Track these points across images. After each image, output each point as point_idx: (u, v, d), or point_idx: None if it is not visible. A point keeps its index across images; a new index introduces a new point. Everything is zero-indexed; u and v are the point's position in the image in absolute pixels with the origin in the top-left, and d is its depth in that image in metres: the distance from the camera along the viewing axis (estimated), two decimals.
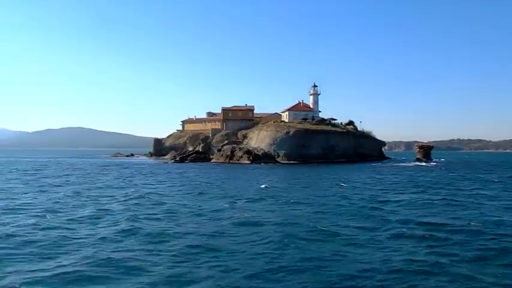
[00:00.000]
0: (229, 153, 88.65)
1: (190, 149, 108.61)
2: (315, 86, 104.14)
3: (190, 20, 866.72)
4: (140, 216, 19.34)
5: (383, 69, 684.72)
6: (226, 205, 23.31)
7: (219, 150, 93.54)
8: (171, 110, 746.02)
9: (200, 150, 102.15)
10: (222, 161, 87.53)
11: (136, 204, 23.81)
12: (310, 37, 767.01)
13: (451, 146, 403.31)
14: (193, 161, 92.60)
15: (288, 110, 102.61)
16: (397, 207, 23.10)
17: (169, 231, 16.21)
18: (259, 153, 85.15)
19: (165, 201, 25.40)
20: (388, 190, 32.65)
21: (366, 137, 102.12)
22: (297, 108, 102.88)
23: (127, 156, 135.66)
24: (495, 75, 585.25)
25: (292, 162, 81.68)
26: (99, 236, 15.35)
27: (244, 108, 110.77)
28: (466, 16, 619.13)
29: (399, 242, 14.69)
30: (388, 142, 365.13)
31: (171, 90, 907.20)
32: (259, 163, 79.30)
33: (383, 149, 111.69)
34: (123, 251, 13.31)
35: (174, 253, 13.12)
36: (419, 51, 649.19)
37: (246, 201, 25.20)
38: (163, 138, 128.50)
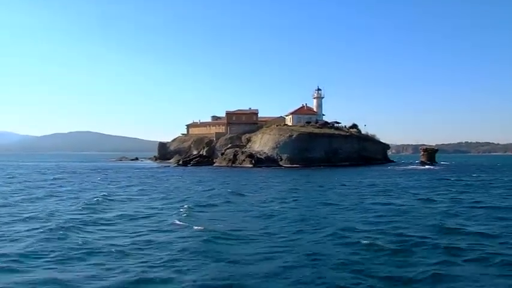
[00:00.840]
0: (231, 157, 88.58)
1: (195, 152, 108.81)
2: (318, 89, 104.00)
3: (195, 22, 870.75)
4: (76, 221, 19.42)
5: (390, 71, 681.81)
6: (174, 211, 22.78)
7: (223, 154, 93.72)
8: (178, 114, 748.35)
9: (204, 154, 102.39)
10: (225, 164, 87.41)
11: (88, 208, 23.93)
12: (314, 39, 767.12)
13: (459, 149, 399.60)
14: (196, 164, 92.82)
15: (292, 113, 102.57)
16: (349, 213, 22.77)
17: (91, 236, 16.37)
18: (262, 157, 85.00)
19: (119, 206, 25.65)
20: (361, 194, 32.46)
21: (370, 140, 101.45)
22: (301, 112, 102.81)
23: (132, 160, 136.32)
24: (504, 77, 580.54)
25: (295, 165, 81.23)
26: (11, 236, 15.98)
27: (248, 112, 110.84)
28: (473, 16, 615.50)
29: (319, 247, 14.47)
30: (396, 145, 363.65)
31: (177, 94, 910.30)
32: (261, 167, 79.07)
33: (390, 152, 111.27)
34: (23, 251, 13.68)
35: (73, 256, 13.28)
36: (426, 52, 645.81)
37: (198, 206, 25.04)
38: (168, 142, 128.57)
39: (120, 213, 22.25)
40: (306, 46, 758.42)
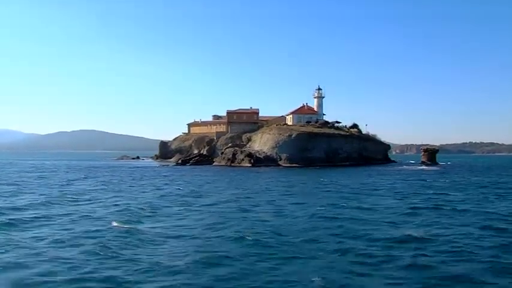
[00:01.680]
0: (230, 156, 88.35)
1: (196, 151, 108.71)
2: (319, 89, 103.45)
3: (197, 22, 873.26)
4: (16, 219, 19.63)
5: (393, 71, 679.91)
6: (121, 212, 22.48)
7: (222, 153, 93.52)
8: (180, 113, 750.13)
9: (205, 153, 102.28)
10: (224, 164, 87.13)
11: (42, 206, 24.37)
12: (315, 38, 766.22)
13: (463, 149, 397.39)
14: (195, 164, 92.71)
15: (292, 113, 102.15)
16: (293, 214, 22.64)
17: (16, 233, 16.61)
18: (261, 157, 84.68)
19: (72, 204, 25.74)
20: (326, 195, 32.24)
21: (371, 140, 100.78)
22: (301, 111, 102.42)
23: (133, 158, 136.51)
24: (508, 77, 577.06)
25: (294, 165, 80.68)
26: None
27: (249, 111, 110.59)
28: (476, 17, 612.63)
29: (223, 249, 14.58)
30: (401, 145, 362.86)
31: (179, 93, 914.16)
32: (260, 166, 78.58)
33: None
34: None
35: None
36: (430, 53, 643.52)
37: (150, 207, 24.73)
38: (169, 141, 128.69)
39: (66, 212, 22.36)
40: (307, 45, 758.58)
